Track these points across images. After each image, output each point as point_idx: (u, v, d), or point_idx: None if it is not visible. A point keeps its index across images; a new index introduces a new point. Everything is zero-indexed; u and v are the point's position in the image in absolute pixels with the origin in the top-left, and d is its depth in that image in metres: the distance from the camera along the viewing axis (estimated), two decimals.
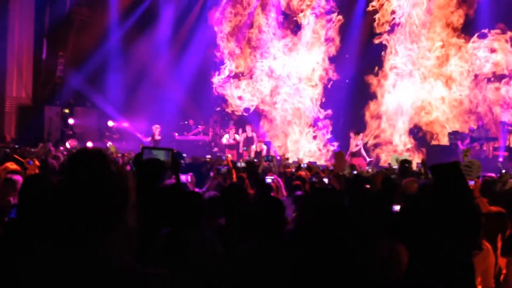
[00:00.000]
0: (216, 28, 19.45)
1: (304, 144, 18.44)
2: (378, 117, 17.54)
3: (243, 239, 3.49)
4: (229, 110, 19.18)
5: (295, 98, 18.64)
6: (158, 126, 17.24)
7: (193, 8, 20.26)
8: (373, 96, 17.64)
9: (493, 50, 16.31)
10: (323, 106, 18.45)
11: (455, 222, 3.24)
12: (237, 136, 17.91)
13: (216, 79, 19.44)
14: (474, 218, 3.34)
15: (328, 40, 18.26)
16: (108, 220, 1.75)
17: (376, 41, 17.49)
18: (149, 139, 16.98)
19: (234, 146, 17.41)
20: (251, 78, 19.10)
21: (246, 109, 18.92)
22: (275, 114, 18.90)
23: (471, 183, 5.32)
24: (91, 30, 18.72)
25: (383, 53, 17.56)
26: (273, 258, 3.25)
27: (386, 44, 17.49)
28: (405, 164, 7.64)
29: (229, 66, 19.44)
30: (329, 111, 18.23)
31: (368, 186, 6.19)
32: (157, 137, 16.98)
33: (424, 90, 17.11)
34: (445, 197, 3.40)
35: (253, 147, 17.07)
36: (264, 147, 16.99)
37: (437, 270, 3.23)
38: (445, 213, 3.29)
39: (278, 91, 18.82)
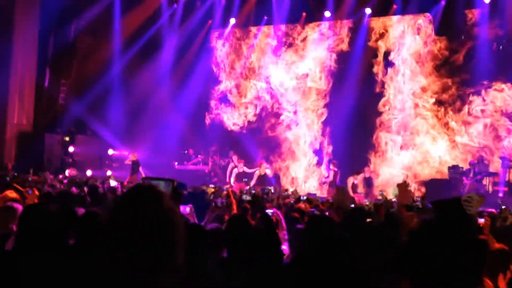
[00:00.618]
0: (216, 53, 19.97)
1: (305, 175, 18.56)
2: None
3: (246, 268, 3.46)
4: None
5: (296, 125, 18.91)
6: (134, 153, 17.39)
7: (196, 38, 20.56)
8: (366, 161, 17.71)
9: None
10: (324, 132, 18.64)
11: (456, 258, 3.22)
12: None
13: (213, 103, 19.92)
14: (477, 254, 3.31)
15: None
16: (158, 258, 1.74)
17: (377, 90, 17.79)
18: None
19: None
20: (245, 97, 19.66)
21: (246, 134, 19.20)
22: (276, 139, 19.16)
23: (481, 220, 5.31)
24: (94, 59, 18.90)
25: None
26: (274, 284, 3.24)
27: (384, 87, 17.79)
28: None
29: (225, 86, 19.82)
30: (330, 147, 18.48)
31: (369, 219, 6.14)
32: (127, 162, 17.24)
33: (424, 143, 17.24)
34: (446, 232, 3.38)
35: (257, 172, 17.13)
36: (268, 171, 17.16)
37: None
38: (445, 248, 3.26)
39: (280, 116, 19.14)
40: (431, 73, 17.21)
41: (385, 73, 17.83)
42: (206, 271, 3.27)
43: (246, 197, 7.37)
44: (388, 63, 17.86)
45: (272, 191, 13.87)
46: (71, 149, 18.04)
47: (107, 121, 18.63)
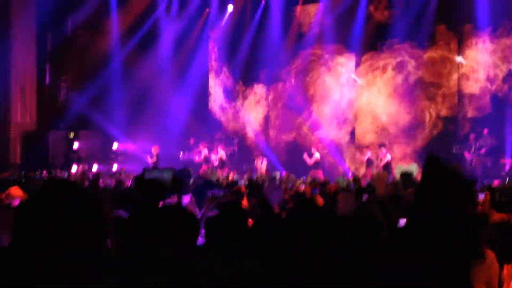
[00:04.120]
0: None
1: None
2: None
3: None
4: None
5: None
6: (156, 147, 17.36)
7: (194, 28, 20.47)
8: None
9: None
10: None
11: (445, 232, 3.21)
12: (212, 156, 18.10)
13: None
14: (471, 226, 3.29)
15: None
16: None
17: None
18: (152, 159, 17.08)
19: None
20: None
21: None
22: None
23: (482, 196, 5.28)
24: (93, 53, 18.89)
25: None
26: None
27: None
28: (405, 176, 7.63)
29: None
30: None
31: None
32: (153, 159, 17.15)
33: None
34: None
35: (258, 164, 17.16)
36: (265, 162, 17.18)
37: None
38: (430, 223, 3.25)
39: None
40: None
41: None
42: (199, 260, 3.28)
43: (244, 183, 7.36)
44: None
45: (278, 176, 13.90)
46: (75, 145, 18.04)
47: (110, 114, 18.65)
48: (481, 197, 5.55)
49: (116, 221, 4.22)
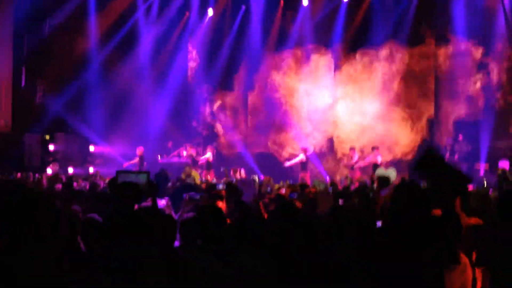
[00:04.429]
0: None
1: None
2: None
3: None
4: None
5: None
6: (141, 148, 17.30)
7: (174, 31, 20.38)
8: None
9: None
10: None
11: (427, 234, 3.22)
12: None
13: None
14: (451, 230, 3.31)
15: None
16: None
17: None
18: (135, 160, 17.05)
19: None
20: None
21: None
22: None
23: None
24: (71, 56, 18.70)
25: None
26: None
27: None
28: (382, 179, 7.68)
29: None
30: None
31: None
32: (135, 160, 17.13)
33: None
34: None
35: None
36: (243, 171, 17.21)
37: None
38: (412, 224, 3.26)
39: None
40: None
41: None
42: (178, 259, 3.26)
43: (221, 186, 7.36)
44: None
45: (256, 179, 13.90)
46: (51, 147, 17.84)
47: (87, 117, 18.48)
48: None
49: (89, 223, 4.17)
